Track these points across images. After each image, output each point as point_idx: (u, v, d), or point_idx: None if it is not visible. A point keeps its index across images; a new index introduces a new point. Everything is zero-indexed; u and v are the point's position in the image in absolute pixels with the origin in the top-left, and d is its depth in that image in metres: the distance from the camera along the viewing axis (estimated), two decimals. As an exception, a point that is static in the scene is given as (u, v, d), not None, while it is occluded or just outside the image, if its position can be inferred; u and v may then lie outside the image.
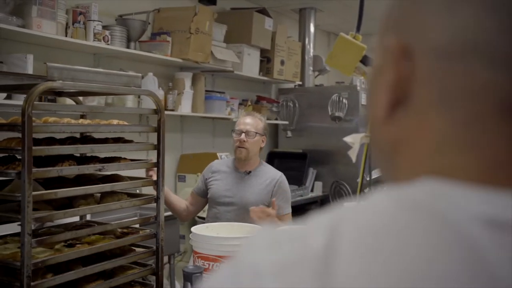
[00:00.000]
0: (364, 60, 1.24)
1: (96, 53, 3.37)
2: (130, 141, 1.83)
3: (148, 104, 3.50)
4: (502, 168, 0.36)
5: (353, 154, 1.23)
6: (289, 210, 2.55)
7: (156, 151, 1.82)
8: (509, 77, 0.35)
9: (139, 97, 3.48)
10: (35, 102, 1.38)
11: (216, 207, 2.50)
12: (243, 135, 2.48)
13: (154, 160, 1.88)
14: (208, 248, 1.63)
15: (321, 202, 5.15)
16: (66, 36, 2.94)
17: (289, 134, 5.26)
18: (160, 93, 3.61)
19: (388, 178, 0.43)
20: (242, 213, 2.43)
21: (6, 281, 1.45)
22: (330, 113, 4.99)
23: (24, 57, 2.68)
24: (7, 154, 1.62)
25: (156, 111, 1.82)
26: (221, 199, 2.49)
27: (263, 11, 4.56)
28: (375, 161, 0.48)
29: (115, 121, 1.82)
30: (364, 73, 1.26)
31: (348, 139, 1.22)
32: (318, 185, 5.10)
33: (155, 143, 1.84)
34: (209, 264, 1.62)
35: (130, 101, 3.35)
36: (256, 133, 2.50)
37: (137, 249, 1.86)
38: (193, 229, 1.76)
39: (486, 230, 0.32)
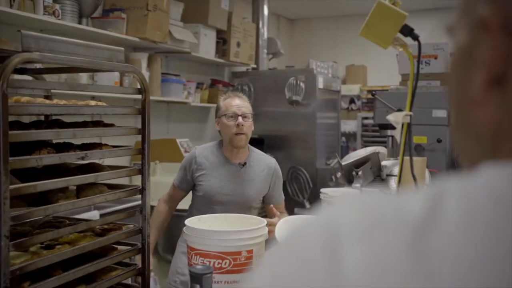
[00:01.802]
0: (404, 30, 1.11)
1: (44, 29, 3.02)
2: (111, 125, 1.60)
3: (104, 83, 3.21)
4: None
5: (397, 134, 1.10)
6: (283, 196, 2.38)
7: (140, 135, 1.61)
8: None
9: (92, 78, 3.18)
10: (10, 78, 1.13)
11: (213, 207, 2.16)
12: (240, 119, 2.15)
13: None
14: (209, 244, 1.46)
15: (278, 188, 5.06)
16: (11, 8, 2.59)
17: (245, 119, 5.10)
18: (115, 74, 3.33)
19: (480, 162, 0.38)
20: (243, 211, 2.13)
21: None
22: (287, 96, 4.89)
23: (-37, 30, 2.33)
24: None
25: (140, 91, 1.60)
26: (218, 197, 2.18)
27: (219, -10, 4.34)
28: (465, 152, 0.42)
29: (92, 102, 1.58)
30: (404, 45, 1.13)
31: (391, 117, 1.09)
32: (275, 171, 5.00)
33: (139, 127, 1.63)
34: (210, 262, 1.45)
35: (83, 81, 3.05)
36: (252, 114, 2.23)
37: (119, 247, 1.65)
38: (187, 222, 1.57)
39: None
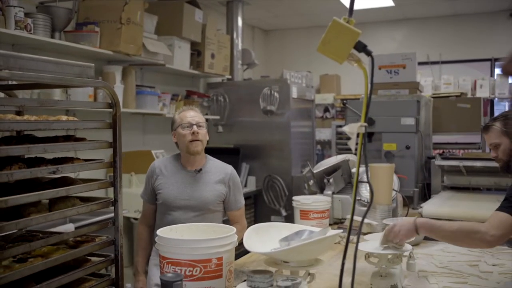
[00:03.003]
0: (358, 46, 1.18)
1: (16, 44, 3.04)
2: (82, 139, 1.64)
3: (78, 98, 3.22)
4: None
5: (352, 144, 1.17)
6: (243, 201, 2.46)
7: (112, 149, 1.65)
8: None
9: (66, 92, 3.20)
10: (-20, 95, 1.17)
11: (171, 213, 2.31)
12: (195, 127, 2.30)
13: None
14: (180, 253, 1.50)
15: (255, 197, 5.12)
16: (-18, 23, 2.61)
17: (220, 129, 5.16)
18: (89, 88, 3.35)
19: None
20: (202, 214, 2.29)
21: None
22: (262, 107, 4.96)
23: None
24: None
25: (111, 105, 1.64)
26: (176, 202, 2.30)
27: (193, 2, 4.40)
28: None
29: (64, 117, 1.61)
30: (358, 60, 1.20)
31: (346, 128, 1.16)
32: (252, 180, 5.06)
33: (110, 140, 1.67)
34: (181, 270, 1.49)
35: (57, 96, 3.06)
36: (205, 124, 2.38)
37: (93, 258, 1.68)
38: (158, 232, 1.61)
39: None
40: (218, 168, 2.40)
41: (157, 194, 2.36)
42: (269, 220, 4.93)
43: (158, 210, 2.40)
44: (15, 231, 1.75)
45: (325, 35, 1.20)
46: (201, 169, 2.36)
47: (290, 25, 6.99)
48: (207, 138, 2.40)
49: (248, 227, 1.78)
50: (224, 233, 1.59)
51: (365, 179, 3.05)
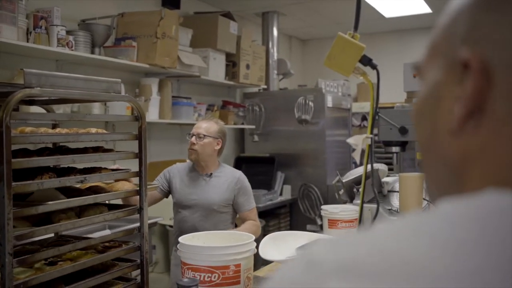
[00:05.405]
0: (364, 60, 1.22)
1: (59, 59, 3.22)
2: (110, 150, 1.74)
3: (116, 111, 3.38)
4: None
5: (356, 156, 1.20)
6: (254, 204, 2.63)
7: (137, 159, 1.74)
8: None
9: (105, 104, 3.36)
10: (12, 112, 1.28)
11: (182, 211, 2.55)
12: (193, 138, 2.55)
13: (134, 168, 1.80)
14: (199, 259, 1.57)
15: (290, 205, 5.15)
16: (27, 41, 2.79)
17: (256, 138, 5.23)
18: (127, 100, 3.50)
19: (448, 192, 0.42)
20: (207, 214, 2.51)
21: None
22: (296, 116, 5.00)
23: (-17, 64, 2.52)
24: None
25: (136, 118, 1.74)
26: (187, 202, 2.54)
27: (227, 15, 4.51)
28: (432, 176, 0.46)
29: (93, 130, 1.72)
30: (363, 73, 1.24)
31: (351, 140, 1.20)
32: (287, 188, 5.09)
33: (136, 151, 1.76)
34: (200, 275, 1.56)
35: (96, 109, 3.22)
36: (206, 135, 2.54)
37: (120, 263, 1.77)
38: (180, 239, 1.69)
39: None
40: (227, 174, 2.62)
41: (172, 192, 2.61)
42: (304, 229, 4.94)
43: (173, 207, 2.65)
44: (51, 235, 1.87)
45: (331, 50, 1.24)
46: (211, 174, 2.59)
47: (327, 34, 6.99)
48: (216, 148, 2.59)
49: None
50: (242, 241, 1.65)
51: (395, 188, 3.04)
